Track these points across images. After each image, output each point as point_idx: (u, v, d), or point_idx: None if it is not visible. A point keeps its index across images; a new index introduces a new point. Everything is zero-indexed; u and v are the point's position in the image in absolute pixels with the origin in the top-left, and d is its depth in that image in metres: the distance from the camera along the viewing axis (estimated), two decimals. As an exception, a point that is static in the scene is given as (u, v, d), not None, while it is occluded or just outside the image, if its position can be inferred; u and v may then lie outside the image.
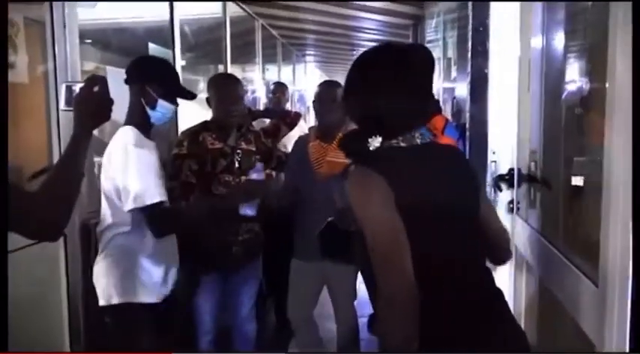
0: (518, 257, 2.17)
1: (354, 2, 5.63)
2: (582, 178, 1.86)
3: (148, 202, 1.94)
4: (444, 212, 1.34)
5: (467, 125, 2.72)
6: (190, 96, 2.24)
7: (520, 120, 2.16)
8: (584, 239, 1.62)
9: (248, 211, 2.19)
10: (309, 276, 2.75)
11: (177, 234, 2.18)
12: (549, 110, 2.07)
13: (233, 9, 5.40)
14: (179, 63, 3.91)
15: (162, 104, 2.10)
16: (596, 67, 1.46)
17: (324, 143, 2.69)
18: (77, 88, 1.47)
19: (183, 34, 4.10)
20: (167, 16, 3.86)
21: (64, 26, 2.56)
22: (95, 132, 1.51)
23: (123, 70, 2.18)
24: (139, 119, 2.09)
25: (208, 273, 2.65)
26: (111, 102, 1.48)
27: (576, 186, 1.90)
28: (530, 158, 2.12)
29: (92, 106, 1.43)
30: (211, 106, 2.65)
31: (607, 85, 1.25)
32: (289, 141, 3.40)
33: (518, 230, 2.18)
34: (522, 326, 2.05)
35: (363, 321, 3.38)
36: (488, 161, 2.23)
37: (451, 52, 5.66)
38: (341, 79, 1.78)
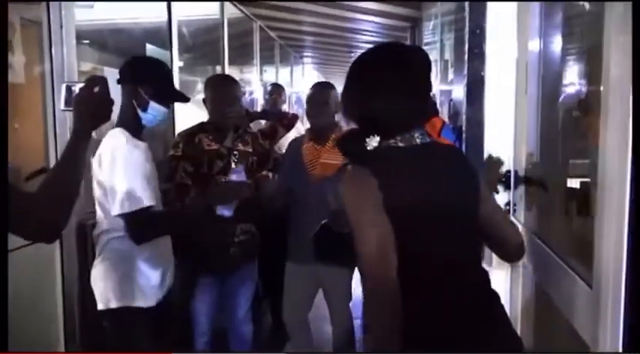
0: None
1: (352, 4, 5.64)
2: (578, 180, 1.87)
3: (134, 207, 1.91)
4: (441, 212, 1.35)
5: (463, 127, 2.72)
6: (184, 99, 2.21)
7: (517, 122, 2.16)
8: (580, 241, 1.62)
9: (225, 212, 2.17)
10: (304, 279, 2.74)
11: (157, 238, 2.10)
12: (547, 112, 2.07)
13: (231, 10, 5.41)
14: (176, 64, 3.92)
15: (154, 106, 2.05)
16: (594, 70, 1.47)
17: (317, 145, 2.69)
18: (77, 88, 1.46)
19: (180, 35, 4.11)
20: (165, 17, 3.87)
21: (61, 27, 2.57)
22: (94, 133, 1.50)
23: (120, 71, 2.18)
24: (129, 121, 2.04)
25: (206, 275, 2.65)
26: (111, 102, 1.47)
27: (572, 188, 1.91)
28: (527, 160, 2.13)
29: (92, 106, 1.43)
30: (207, 108, 2.64)
31: (602, 85, 1.26)
32: (286, 143, 3.40)
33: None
34: (519, 328, 2.06)
35: (358, 323, 3.38)
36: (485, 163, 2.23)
37: (448, 55, 5.67)
38: (339, 81, 1.79)
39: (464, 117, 2.51)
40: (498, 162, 2.15)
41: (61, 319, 2.64)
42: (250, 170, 2.68)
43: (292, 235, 2.77)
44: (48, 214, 1.26)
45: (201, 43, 5.62)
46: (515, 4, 2.12)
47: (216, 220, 2.19)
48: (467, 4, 2.22)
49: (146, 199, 1.95)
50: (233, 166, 2.46)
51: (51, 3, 2.55)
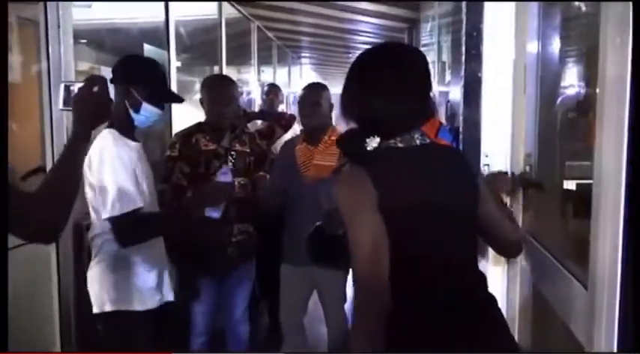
0: (512, 260, 2.17)
1: (350, 5, 5.64)
2: (575, 182, 1.87)
3: (125, 209, 1.88)
4: (439, 213, 1.35)
5: (460, 128, 2.72)
6: (178, 100, 2.19)
7: (514, 123, 2.16)
8: (576, 243, 1.62)
9: (213, 213, 2.16)
10: (299, 280, 2.73)
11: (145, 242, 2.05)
12: (544, 114, 2.08)
13: (229, 10, 5.41)
14: (174, 64, 3.91)
15: (147, 108, 2.00)
16: (593, 72, 1.47)
17: (310, 146, 2.68)
18: (75, 88, 1.46)
19: (178, 35, 4.11)
20: (162, 17, 3.87)
21: (59, 26, 2.56)
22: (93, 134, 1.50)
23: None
24: (121, 122, 1.99)
25: (204, 275, 2.65)
26: (111, 102, 1.47)
27: (569, 190, 1.91)
28: (525, 162, 2.13)
29: (92, 106, 1.42)
30: (204, 108, 2.64)
31: (597, 87, 1.26)
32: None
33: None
34: (516, 329, 2.06)
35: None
36: (481, 164, 2.23)
37: (445, 56, 5.67)
38: (336, 81, 1.78)
39: (461, 118, 2.51)
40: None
41: (56, 318, 2.64)
42: (247, 170, 2.68)
43: (287, 237, 2.76)
44: (47, 214, 1.25)
45: (199, 43, 5.61)
46: (513, 5, 2.12)
47: (206, 221, 2.17)
48: (464, 4, 2.22)
49: (136, 200, 1.92)
50: (224, 166, 2.45)
51: (48, 2, 2.54)
